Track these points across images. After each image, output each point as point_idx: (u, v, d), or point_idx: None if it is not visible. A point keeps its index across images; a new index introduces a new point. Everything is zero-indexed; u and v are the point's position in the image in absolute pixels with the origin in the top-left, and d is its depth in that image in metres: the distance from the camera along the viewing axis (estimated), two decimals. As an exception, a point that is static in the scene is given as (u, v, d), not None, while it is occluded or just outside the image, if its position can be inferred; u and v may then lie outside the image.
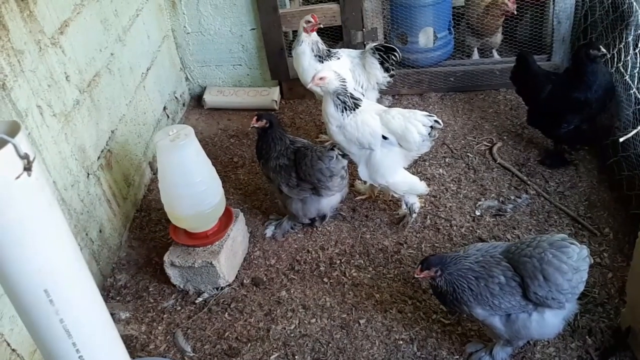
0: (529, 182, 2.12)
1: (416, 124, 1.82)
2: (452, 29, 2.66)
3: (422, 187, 1.96)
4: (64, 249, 0.86)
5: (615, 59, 2.04)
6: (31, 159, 0.77)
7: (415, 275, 1.43)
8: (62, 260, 0.85)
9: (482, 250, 1.46)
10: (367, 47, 2.26)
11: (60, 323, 0.85)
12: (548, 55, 2.54)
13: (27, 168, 0.76)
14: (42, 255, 0.82)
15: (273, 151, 1.89)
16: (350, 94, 1.92)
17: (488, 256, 1.43)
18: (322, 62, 2.21)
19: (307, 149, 1.90)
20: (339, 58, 2.25)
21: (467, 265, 1.42)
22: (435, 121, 1.82)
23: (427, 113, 1.85)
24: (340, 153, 1.87)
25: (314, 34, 2.21)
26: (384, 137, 1.87)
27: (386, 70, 2.22)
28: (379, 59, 2.20)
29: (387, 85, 2.29)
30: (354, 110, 1.89)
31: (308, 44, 2.21)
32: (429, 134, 1.82)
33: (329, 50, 2.25)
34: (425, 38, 2.59)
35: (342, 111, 1.89)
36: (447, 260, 1.42)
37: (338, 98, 1.88)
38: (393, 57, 2.19)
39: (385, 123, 1.86)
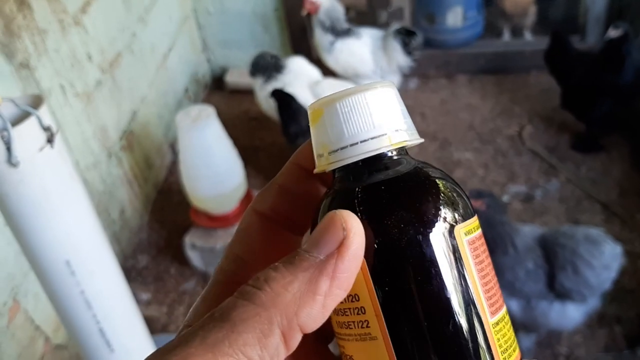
0: (559, 168, 2.06)
1: None
2: (481, 8, 2.58)
3: None
4: (85, 221, 0.87)
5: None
6: (54, 131, 0.76)
7: None
8: (82, 232, 0.87)
9: (523, 232, 1.42)
10: (390, 29, 2.21)
11: (81, 294, 0.86)
12: (581, 35, 2.45)
13: (50, 140, 0.76)
14: (64, 226, 0.84)
15: (293, 121, 1.88)
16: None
17: (527, 239, 1.39)
18: (337, 38, 2.16)
19: None
20: (359, 37, 2.19)
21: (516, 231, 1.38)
22: None
23: None
24: None
25: (320, 11, 2.15)
26: None
27: (408, 53, 2.16)
28: (400, 42, 2.13)
29: (408, 68, 2.23)
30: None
31: (316, 21, 2.18)
32: None
33: (349, 29, 2.19)
34: (453, 18, 2.52)
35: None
36: (497, 201, 1.38)
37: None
38: (414, 41, 2.13)
39: (316, 96, 1.87)
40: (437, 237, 0.23)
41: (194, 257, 1.86)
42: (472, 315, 0.23)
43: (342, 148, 0.24)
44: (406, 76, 2.35)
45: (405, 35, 2.12)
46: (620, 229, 1.81)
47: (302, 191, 0.27)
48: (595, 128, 2.09)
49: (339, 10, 2.17)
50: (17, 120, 0.76)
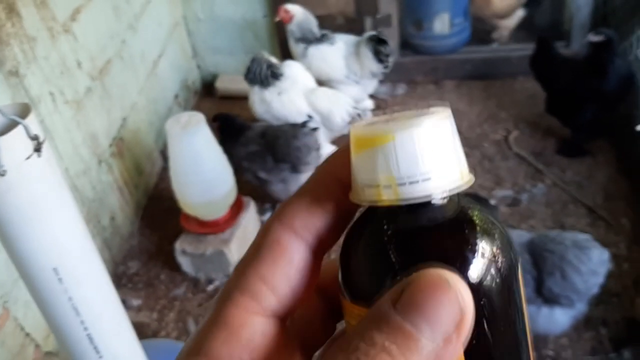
0: (545, 172, 2.09)
1: (340, 111, 1.90)
2: (468, 14, 2.61)
3: None
4: (73, 229, 0.87)
5: (634, 46, 1.98)
6: (41, 140, 0.77)
7: None
8: (70, 240, 0.86)
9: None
10: (364, 36, 2.21)
11: (69, 301, 0.86)
12: (567, 41, 2.49)
13: (37, 149, 0.76)
14: (51, 234, 0.83)
15: (236, 143, 1.90)
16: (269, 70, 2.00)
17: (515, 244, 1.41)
18: (309, 45, 2.19)
19: (276, 130, 1.90)
20: (332, 43, 2.20)
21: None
22: (358, 115, 1.90)
23: (351, 102, 1.92)
24: (312, 127, 1.88)
25: (293, 22, 2.20)
26: (309, 117, 1.97)
27: (379, 61, 2.16)
28: (371, 49, 2.14)
29: (382, 75, 2.24)
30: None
31: (289, 31, 2.23)
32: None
33: (323, 35, 2.20)
34: (441, 24, 2.55)
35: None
36: (488, 205, 1.39)
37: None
38: (384, 49, 2.14)
39: (311, 104, 1.92)
40: (514, 285, 0.22)
41: (185, 263, 1.86)
42: (528, 355, 0.23)
43: (412, 182, 0.22)
44: (393, 82, 2.36)
45: (377, 43, 2.13)
46: (605, 232, 1.83)
47: (336, 208, 0.24)
48: (581, 133, 2.12)
49: (312, 22, 2.20)
50: (4, 130, 0.76)
